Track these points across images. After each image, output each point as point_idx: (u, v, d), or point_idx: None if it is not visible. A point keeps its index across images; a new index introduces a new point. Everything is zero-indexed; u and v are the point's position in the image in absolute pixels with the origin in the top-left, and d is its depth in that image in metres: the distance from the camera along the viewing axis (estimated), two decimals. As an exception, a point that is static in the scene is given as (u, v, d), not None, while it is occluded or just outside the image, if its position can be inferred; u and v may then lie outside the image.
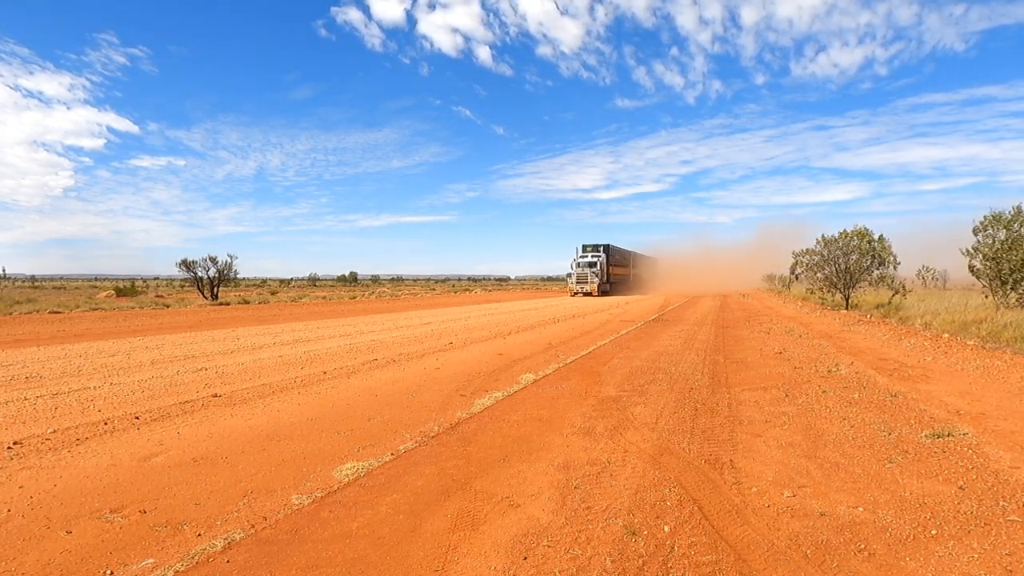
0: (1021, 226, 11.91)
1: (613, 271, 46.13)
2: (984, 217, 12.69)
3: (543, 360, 8.92)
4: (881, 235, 17.97)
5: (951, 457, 3.98)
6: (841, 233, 18.75)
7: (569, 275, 44.18)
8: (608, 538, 2.89)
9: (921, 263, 30.04)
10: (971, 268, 13.18)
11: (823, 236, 19.49)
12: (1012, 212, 12.12)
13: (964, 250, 13.25)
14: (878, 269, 17.85)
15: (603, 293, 42.91)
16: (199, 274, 31.99)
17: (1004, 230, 12.20)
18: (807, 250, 20.32)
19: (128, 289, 38.59)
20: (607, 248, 45.68)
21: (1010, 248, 11.96)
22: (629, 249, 54.07)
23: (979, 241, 12.90)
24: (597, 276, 42.42)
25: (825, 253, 19.27)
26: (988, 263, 12.47)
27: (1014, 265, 11.73)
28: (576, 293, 42.26)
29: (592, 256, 44.25)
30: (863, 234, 18.11)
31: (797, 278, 27.13)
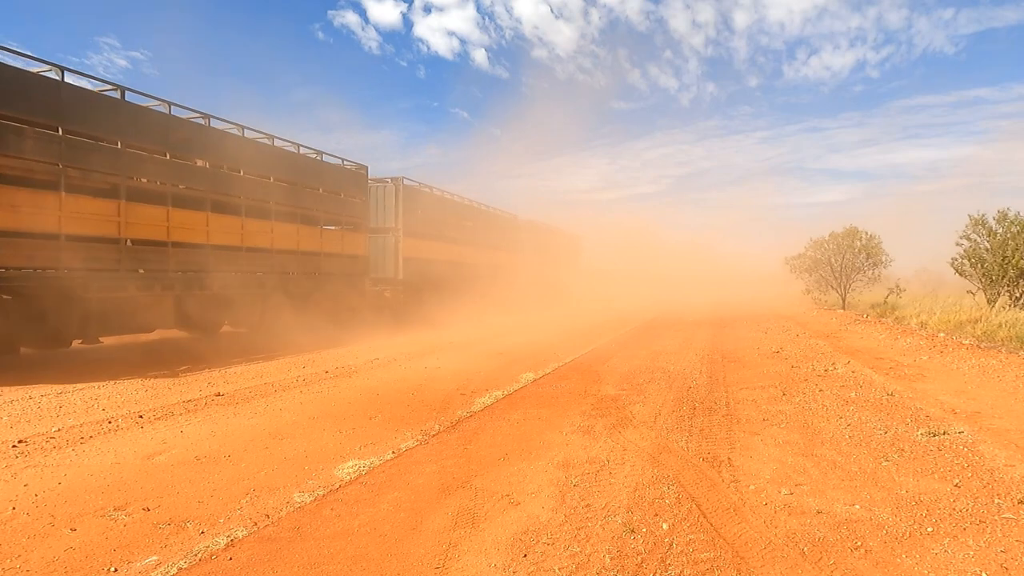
0: (1006, 229, 12.07)
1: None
2: (971, 219, 12.89)
3: (543, 359, 8.95)
4: (871, 233, 18.14)
5: (947, 455, 4.02)
6: (831, 234, 18.93)
7: None
8: (607, 535, 2.92)
9: (918, 264, 30.14)
10: (954, 264, 13.38)
11: (811, 239, 19.74)
12: (997, 216, 12.30)
13: (955, 256, 13.42)
14: (872, 269, 18.01)
15: None
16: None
17: (988, 237, 12.37)
18: (799, 255, 20.48)
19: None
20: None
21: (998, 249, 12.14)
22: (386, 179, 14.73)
23: (972, 240, 13.02)
24: None
25: (815, 255, 19.44)
26: (975, 261, 12.65)
27: (998, 262, 11.89)
28: None
29: None
30: (853, 233, 18.25)
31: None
